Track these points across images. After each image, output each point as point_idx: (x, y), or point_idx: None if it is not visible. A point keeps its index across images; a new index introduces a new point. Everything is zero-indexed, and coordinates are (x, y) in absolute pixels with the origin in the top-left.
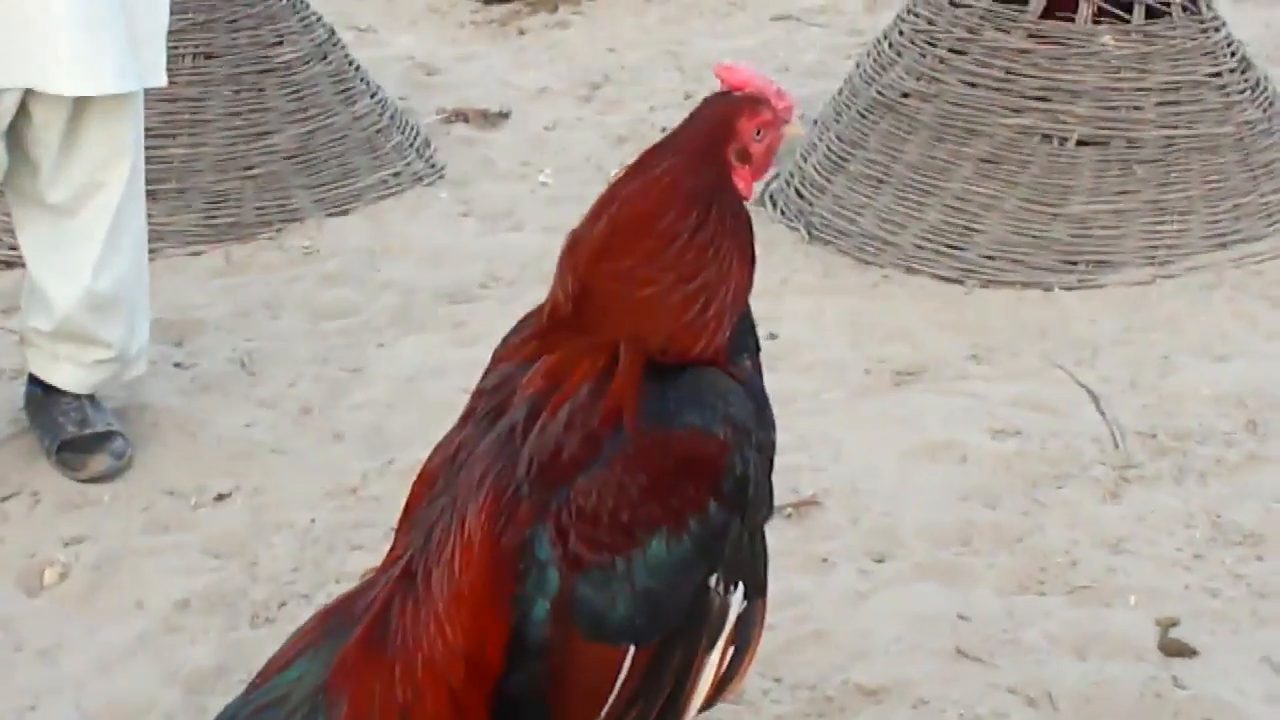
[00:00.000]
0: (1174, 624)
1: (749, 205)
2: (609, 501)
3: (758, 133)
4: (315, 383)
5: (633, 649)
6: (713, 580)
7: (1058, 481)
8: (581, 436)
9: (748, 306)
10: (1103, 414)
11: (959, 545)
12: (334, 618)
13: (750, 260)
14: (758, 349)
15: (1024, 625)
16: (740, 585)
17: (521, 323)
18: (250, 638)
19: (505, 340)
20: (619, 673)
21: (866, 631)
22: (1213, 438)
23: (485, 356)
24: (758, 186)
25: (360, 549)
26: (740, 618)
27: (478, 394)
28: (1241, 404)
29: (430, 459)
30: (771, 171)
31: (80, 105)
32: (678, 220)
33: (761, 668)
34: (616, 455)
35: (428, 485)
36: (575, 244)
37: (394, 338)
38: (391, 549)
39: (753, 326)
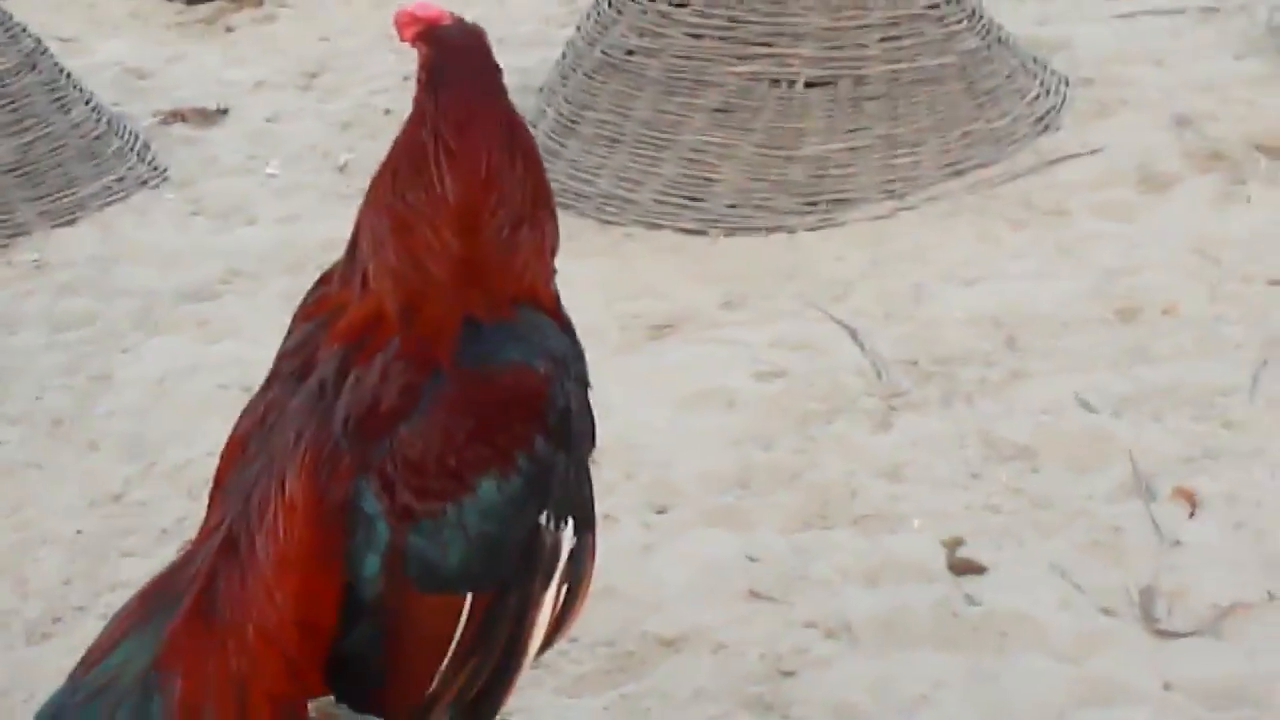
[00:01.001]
0: (960, 543)
1: None
2: (435, 447)
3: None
4: (63, 394)
5: (470, 596)
6: (543, 518)
7: (828, 417)
8: (399, 386)
9: None
10: (862, 347)
11: (739, 489)
12: (155, 597)
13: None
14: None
15: (813, 560)
16: (570, 520)
17: (319, 283)
18: (28, 656)
19: (303, 302)
20: (458, 623)
21: (658, 583)
22: (974, 359)
23: (235, 352)
24: None
25: (132, 555)
26: (571, 553)
27: (280, 356)
28: (997, 324)
29: (237, 425)
30: None
31: None
32: (495, 152)
33: None
34: (438, 400)
35: (238, 451)
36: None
37: (138, 342)
38: (205, 520)
39: None
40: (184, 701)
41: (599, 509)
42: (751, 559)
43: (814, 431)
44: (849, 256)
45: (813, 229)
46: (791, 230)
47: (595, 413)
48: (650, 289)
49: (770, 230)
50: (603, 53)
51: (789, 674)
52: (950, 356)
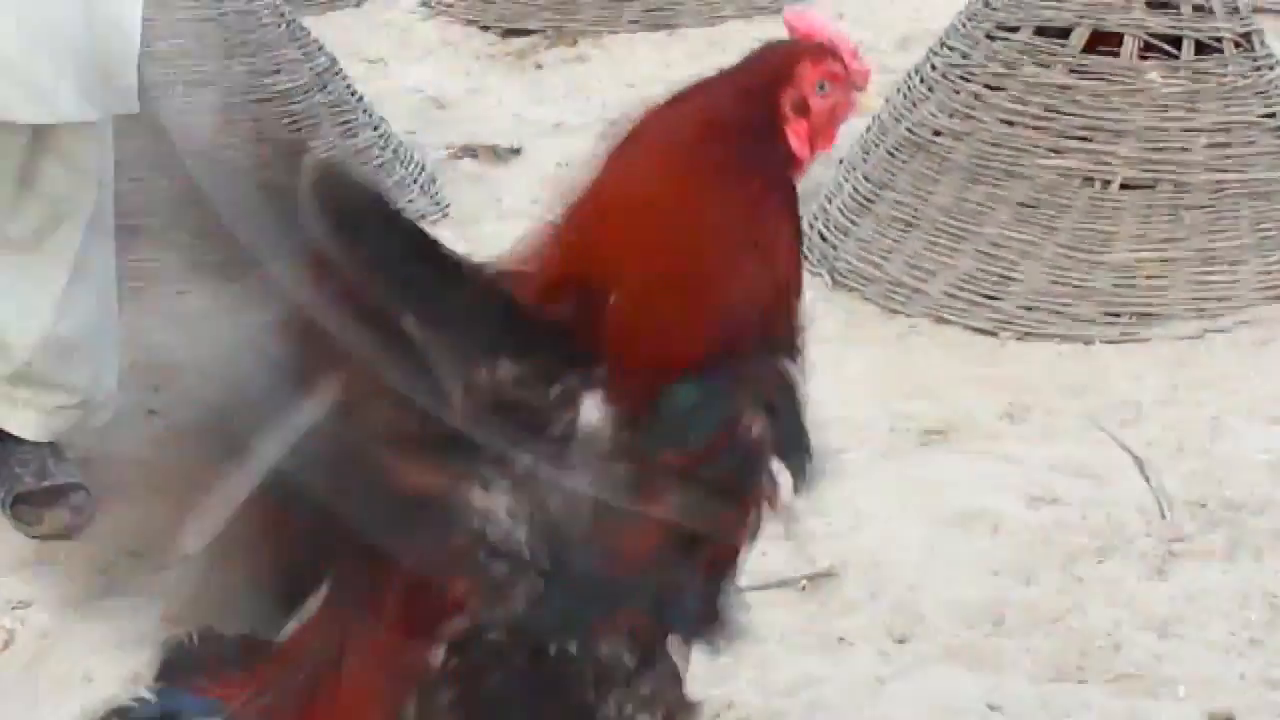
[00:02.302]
0: (1228, 719)
1: None
2: None
3: (821, 85)
4: None
5: None
6: None
7: (1099, 555)
8: None
9: None
10: (1148, 481)
11: (990, 625)
12: None
13: (799, 239)
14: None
15: (1061, 716)
16: None
17: None
18: None
19: None
20: None
21: None
22: (1269, 508)
23: None
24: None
25: None
26: None
27: None
28: None
29: None
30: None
31: (39, 133)
32: (711, 160)
33: None
34: None
35: None
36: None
37: None
38: None
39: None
40: None
41: (837, 628)
42: (992, 707)
43: (1081, 570)
44: (1147, 377)
45: (1111, 342)
46: (1088, 341)
47: (845, 519)
48: (928, 389)
49: (1065, 339)
50: (908, 130)
51: None
52: (1243, 502)
